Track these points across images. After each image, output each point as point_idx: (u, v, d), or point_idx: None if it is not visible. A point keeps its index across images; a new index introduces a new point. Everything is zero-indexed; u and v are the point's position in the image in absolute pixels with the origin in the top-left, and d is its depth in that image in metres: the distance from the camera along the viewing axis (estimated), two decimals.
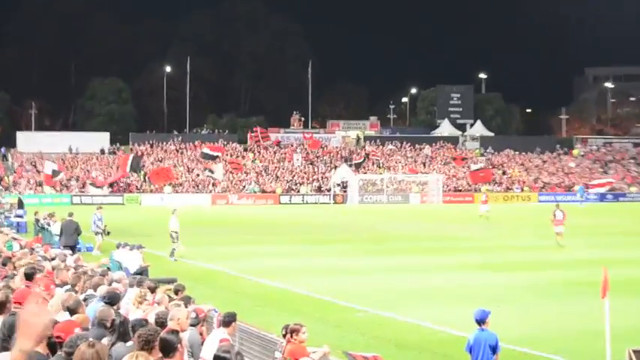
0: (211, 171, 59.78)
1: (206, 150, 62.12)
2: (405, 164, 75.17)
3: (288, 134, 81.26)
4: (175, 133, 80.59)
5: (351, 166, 69.28)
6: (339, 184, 66.77)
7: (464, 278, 21.49)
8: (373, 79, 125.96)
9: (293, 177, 70.14)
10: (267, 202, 64.69)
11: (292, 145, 77.59)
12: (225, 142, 75.11)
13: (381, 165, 74.63)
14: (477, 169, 69.70)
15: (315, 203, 65.41)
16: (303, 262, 25.09)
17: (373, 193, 67.35)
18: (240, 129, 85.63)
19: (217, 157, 64.54)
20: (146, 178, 62.33)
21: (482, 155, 79.78)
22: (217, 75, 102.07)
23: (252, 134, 76.71)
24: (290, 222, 44.32)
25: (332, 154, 76.22)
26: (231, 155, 72.45)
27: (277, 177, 70.06)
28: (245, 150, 75.57)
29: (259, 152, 75.41)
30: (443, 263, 24.68)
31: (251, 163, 72.14)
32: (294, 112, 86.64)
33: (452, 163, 75.02)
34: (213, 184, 66.18)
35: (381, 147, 79.30)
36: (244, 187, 66.88)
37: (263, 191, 66.76)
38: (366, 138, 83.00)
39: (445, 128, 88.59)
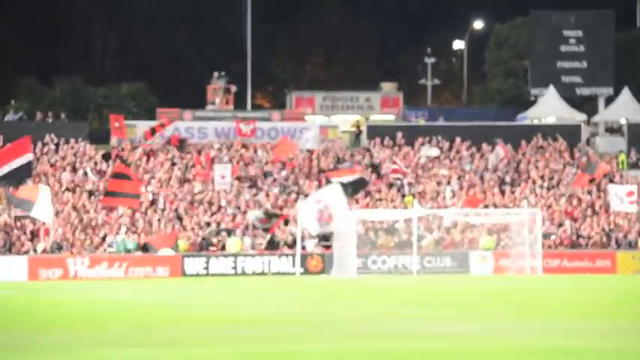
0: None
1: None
2: (461, 188, 76.26)
3: (203, 123, 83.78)
4: None
5: (347, 189, 71.32)
6: (317, 235, 69.92)
7: None
8: (389, 3, 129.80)
9: (211, 215, 72.02)
10: (154, 273, 66.57)
11: (212, 147, 79.92)
12: (61, 141, 78.50)
13: (406, 190, 75.51)
14: None
15: (262, 273, 67.73)
16: None
17: (390, 252, 68.75)
18: (95, 111, 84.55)
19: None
20: None
21: (632, 167, 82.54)
22: None
23: (116, 127, 78.14)
24: (206, 320, 41.92)
25: (299, 167, 79.24)
26: (73, 169, 76.14)
27: (178, 217, 70.55)
28: (106, 158, 77.38)
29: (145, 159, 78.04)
30: None
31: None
32: (216, 74, 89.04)
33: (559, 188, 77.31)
34: (32, 239, 67.97)
35: (406, 149, 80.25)
36: (104, 240, 67.72)
37: (145, 249, 67.05)
38: (371, 130, 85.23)
39: (549, 107, 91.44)
